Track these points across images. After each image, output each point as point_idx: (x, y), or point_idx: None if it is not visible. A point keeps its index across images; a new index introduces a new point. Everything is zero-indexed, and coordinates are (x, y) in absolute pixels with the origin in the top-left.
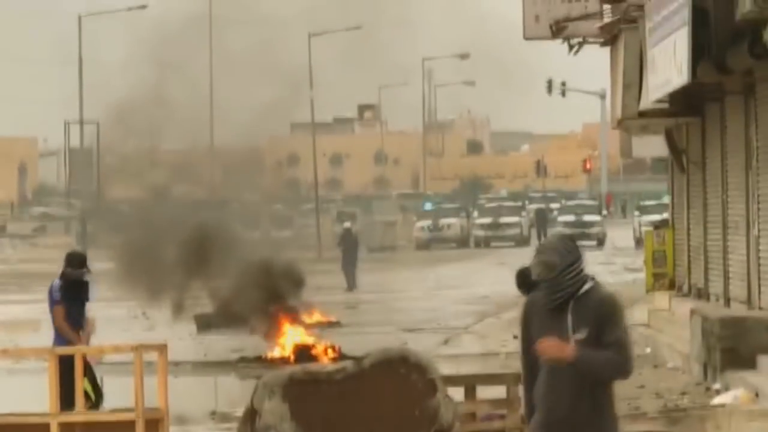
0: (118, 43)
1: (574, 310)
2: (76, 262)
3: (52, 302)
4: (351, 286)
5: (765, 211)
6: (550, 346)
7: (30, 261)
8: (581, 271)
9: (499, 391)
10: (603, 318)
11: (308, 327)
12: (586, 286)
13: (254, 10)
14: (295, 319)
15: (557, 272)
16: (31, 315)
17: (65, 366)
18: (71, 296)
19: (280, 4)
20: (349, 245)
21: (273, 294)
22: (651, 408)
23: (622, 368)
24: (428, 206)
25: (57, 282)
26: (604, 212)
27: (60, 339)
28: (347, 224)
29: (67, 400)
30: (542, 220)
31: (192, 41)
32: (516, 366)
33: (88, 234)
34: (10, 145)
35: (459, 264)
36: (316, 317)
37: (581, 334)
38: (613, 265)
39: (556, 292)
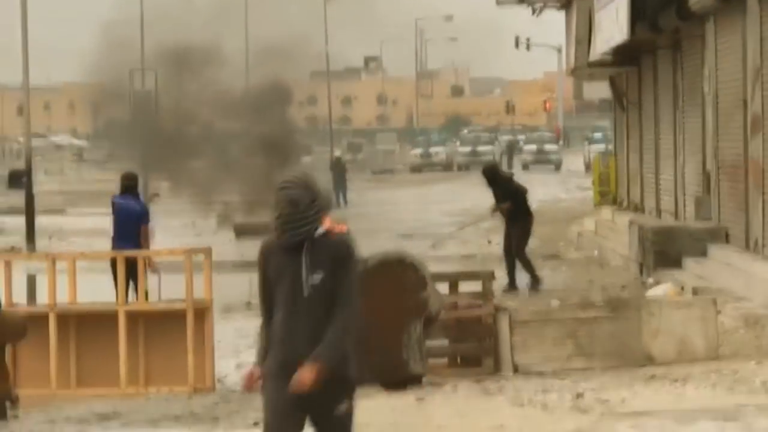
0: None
1: (309, 251)
2: (130, 179)
3: (135, 216)
4: (338, 203)
5: (689, 142)
6: (300, 382)
7: (103, 182)
8: (320, 210)
9: (476, 286)
10: (338, 261)
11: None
12: (321, 229)
13: None
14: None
15: (301, 208)
16: (102, 225)
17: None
18: (126, 210)
19: None
20: (338, 170)
21: None
22: (598, 298)
23: (352, 324)
24: (420, 138)
25: (116, 198)
26: (560, 143)
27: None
28: (337, 153)
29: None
30: (510, 149)
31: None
32: (490, 265)
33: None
34: (85, 90)
35: (444, 184)
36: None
37: (316, 277)
38: (567, 185)
39: (296, 228)
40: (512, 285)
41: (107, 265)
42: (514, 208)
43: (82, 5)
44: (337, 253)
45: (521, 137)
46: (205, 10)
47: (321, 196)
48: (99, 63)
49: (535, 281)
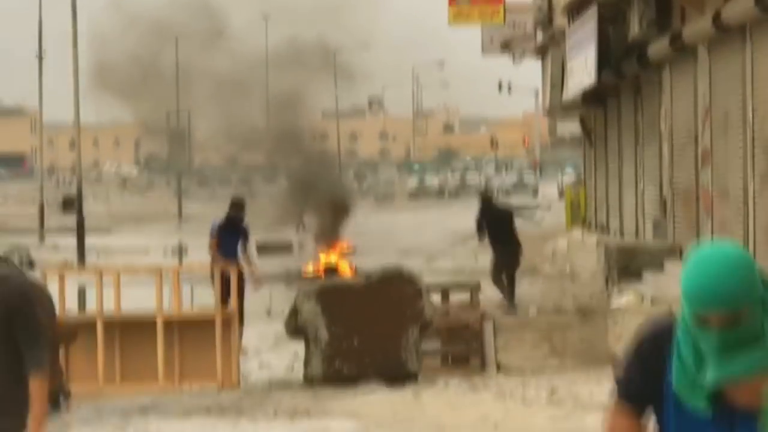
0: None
1: None
2: (237, 205)
3: (211, 236)
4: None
5: (648, 172)
6: None
7: (143, 206)
8: None
9: (465, 296)
10: (13, 311)
11: (337, 251)
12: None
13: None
14: (332, 245)
15: None
16: (143, 244)
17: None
18: (230, 232)
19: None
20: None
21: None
22: (569, 307)
23: (44, 367)
24: (416, 167)
25: (216, 221)
26: (538, 173)
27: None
28: None
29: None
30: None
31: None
32: (477, 278)
33: (182, 188)
34: (129, 128)
35: (437, 209)
36: (342, 245)
37: None
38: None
39: None
40: (512, 303)
41: (147, 278)
42: (503, 234)
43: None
44: (11, 302)
45: (504, 171)
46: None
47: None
48: (140, 104)
49: (511, 305)
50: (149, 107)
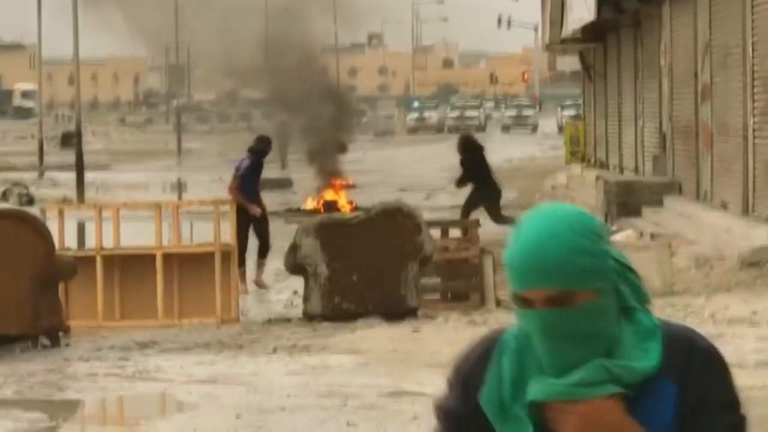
0: None
1: None
2: (266, 142)
3: (234, 177)
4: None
5: (647, 108)
6: None
7: (141, 142)
8: None
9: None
10: None
11: (336, 187)
12: None
13: None
14: (332, 181)
15: None
16: (142, 180)
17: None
18: (254, 171)
19: None
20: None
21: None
22: None
23: None
24: (415, 104)
25: (240, 161)
26: (537, 109)
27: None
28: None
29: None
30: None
31: None
32: (476, 214)
33: (182, 124)
34: (128, 62)
35: (436, 144)
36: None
37: None
38: (542, 145)
39: None
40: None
41: (146, 213)
42: (481, 177)
43: None
44: None
45: (503, 106)
46: None
47: None
48: (139, 38)
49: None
50: (148, 42)
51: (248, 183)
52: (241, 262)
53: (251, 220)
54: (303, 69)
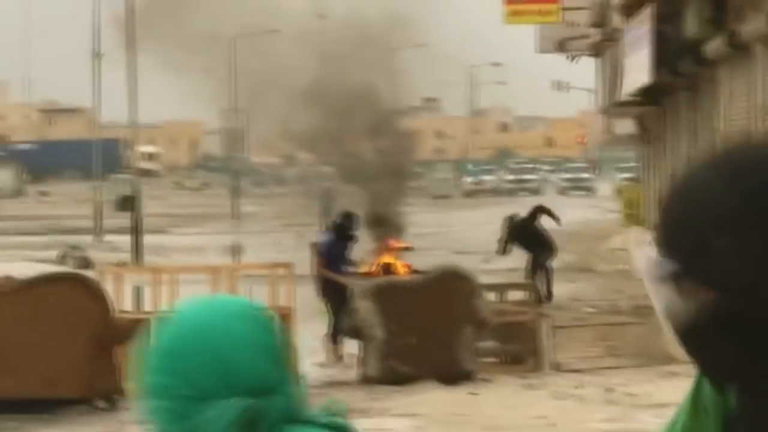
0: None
1: None
2: (349, 218)
3: (319, 252)
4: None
5: None
6: None
7: (199, 206)
8: None
9: (521, 295)
10: None
11: (393, 250)
12: None
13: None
14: (387, 245)
15: None
16: (199, 243)
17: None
18: (340, 246)
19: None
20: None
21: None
22: (625, 306)
23: None
24: (471, 167)
25: (324, 237)
26: (594, 171)
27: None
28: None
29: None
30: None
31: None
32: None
33: (239, 187)
34: (185, 127)
35: (493, 207)
36: (397, 244)
37: None
38: (598, 207)
39: None
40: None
41: (203, 277)
42: (537, 247)
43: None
44: None
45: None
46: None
47: None
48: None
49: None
50: (206, 107)
51: (333, 260)
52: (335, 339)
53: (342, 295)
54: (378, 134)
